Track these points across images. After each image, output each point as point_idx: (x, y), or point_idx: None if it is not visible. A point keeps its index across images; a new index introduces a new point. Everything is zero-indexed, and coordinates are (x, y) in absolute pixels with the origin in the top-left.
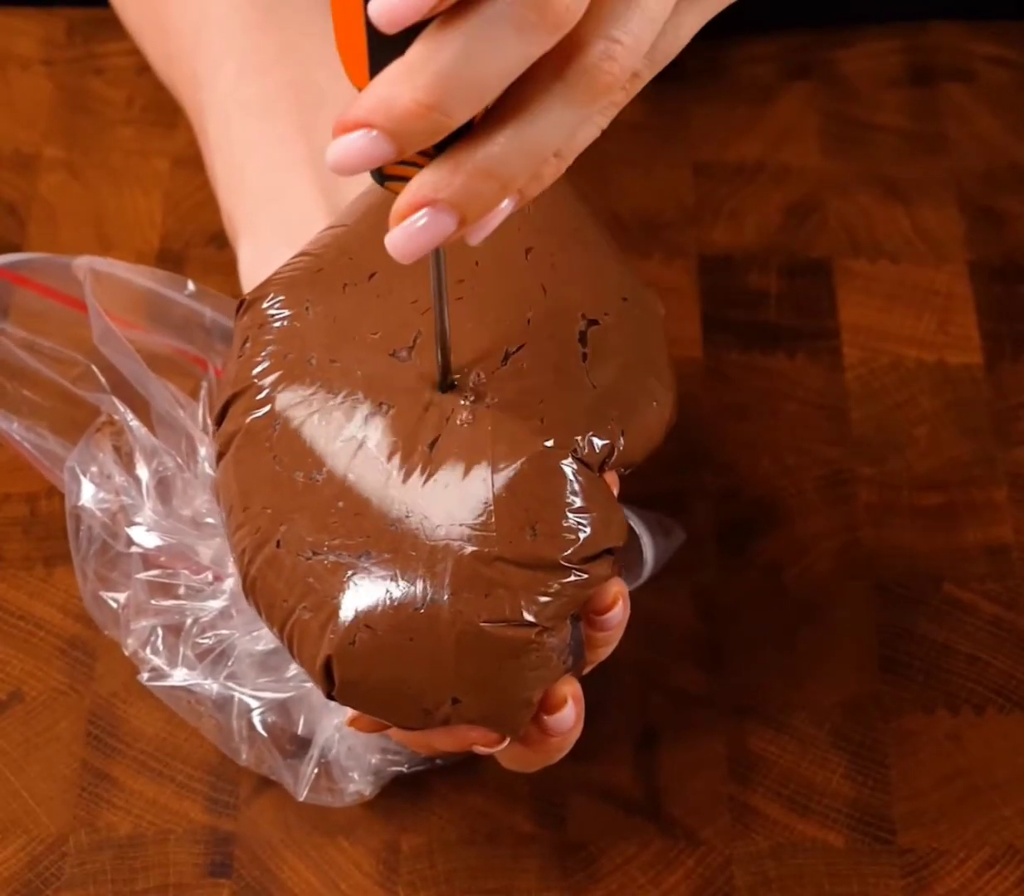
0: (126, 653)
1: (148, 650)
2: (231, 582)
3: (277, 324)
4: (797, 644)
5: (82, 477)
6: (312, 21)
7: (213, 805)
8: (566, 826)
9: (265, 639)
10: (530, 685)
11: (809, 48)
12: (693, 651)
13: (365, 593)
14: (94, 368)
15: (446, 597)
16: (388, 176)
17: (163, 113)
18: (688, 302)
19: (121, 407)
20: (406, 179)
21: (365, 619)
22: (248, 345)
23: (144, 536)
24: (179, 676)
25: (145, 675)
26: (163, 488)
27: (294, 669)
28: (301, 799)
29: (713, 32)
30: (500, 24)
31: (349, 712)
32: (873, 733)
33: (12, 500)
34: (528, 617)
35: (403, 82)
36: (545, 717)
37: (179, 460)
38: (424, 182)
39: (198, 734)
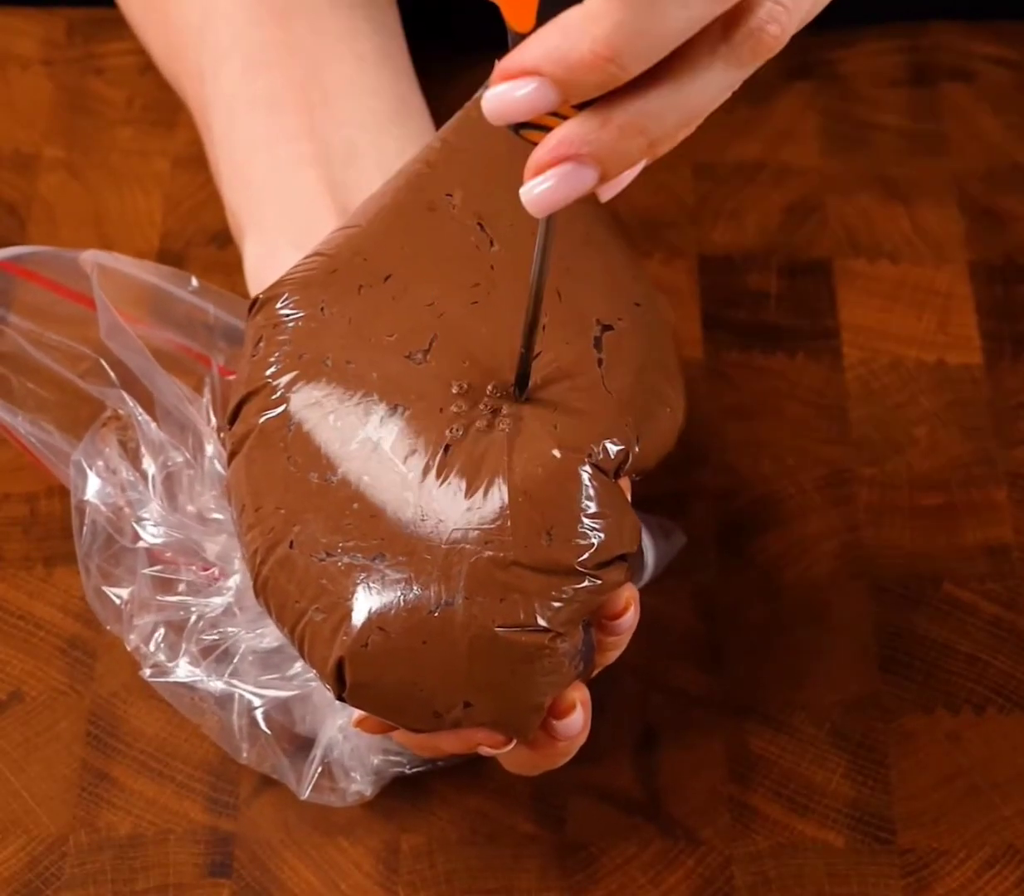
0: (128, 648)
1: (151, 646)
2: (236, 579)
3: (291, 324)
4: (797, 644)
5: (88, 471)
6: (320, 18)
7: (213, 805)
8: (566, 826)
9: (269, 637)
10: (542, 690)
11: (809, 48)
12: (693, 651)
13: (379, 595)
14: (102, 362)
15: (460, 601)
16: (525, 124)
17: (163, 113)
18: (688, 302)
19: (130, 401)
20: (542, 127)
21: (378, 621)
22: (262, 345)
23: (150, 531)
24: (182, 673)
25: (147, 671)
26: (169, 484)
27: (298, 667)
28: (304, 798)
29: None
30: None
31: (355, 713)
32: (873, 733)
33: (12, 500)
34: (542, 622)
35: (581, 31)
36: (554, 722)
37: (187, 455)
38: (569, 134)
39: (198, 734)
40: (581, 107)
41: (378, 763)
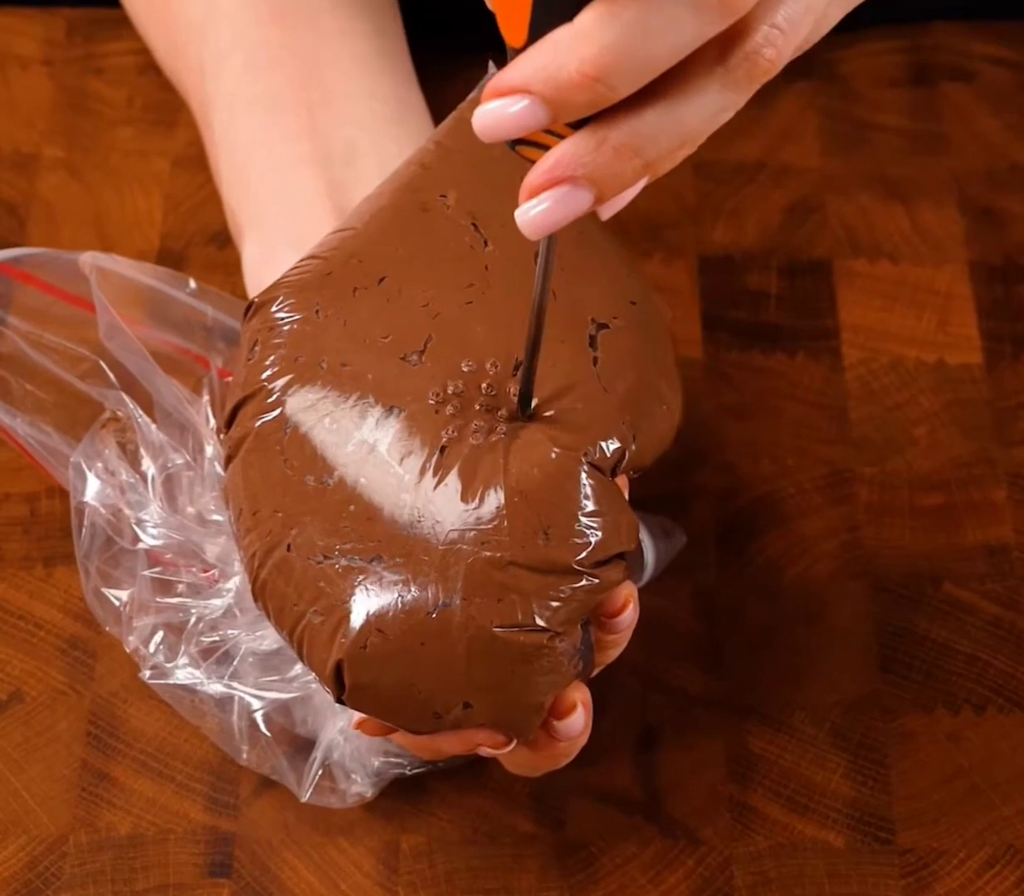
0: (127, 650)
1: (150, 648)
2: (236, 581)
3: (287, 327)
4: (797, 644)
5: (87, 472)
6: (321, 19)
7: (213, 805)
8: (566, 826)
9: (269, 639)
10: (541, 690)
11: (809, 48)
12: (693, 651)
13: (377, 597)
14: (102, 364)
15: (458, 602)
16: (520, 140)
17: (163, 113)
18: (688, 302)
19: (129, 403)
20: (538, 144)
21: (377, 623)
22: (257, 348)
23: (149, 533)
24: (181, 675)
25: (146, 673)
26: (169, 485)
27: (298, 669)
28: (304, 800)
29: None
30: (678, 2)
31: (355, 715)
32: (873, 733)
33: (12, 500)
34: (540, 622)
35: (571, 50)
36: (554, 722)
37: (186, 457)
38: (564, 156)
39: (198, 734)
40: (579, 124)
41: (378, 765)
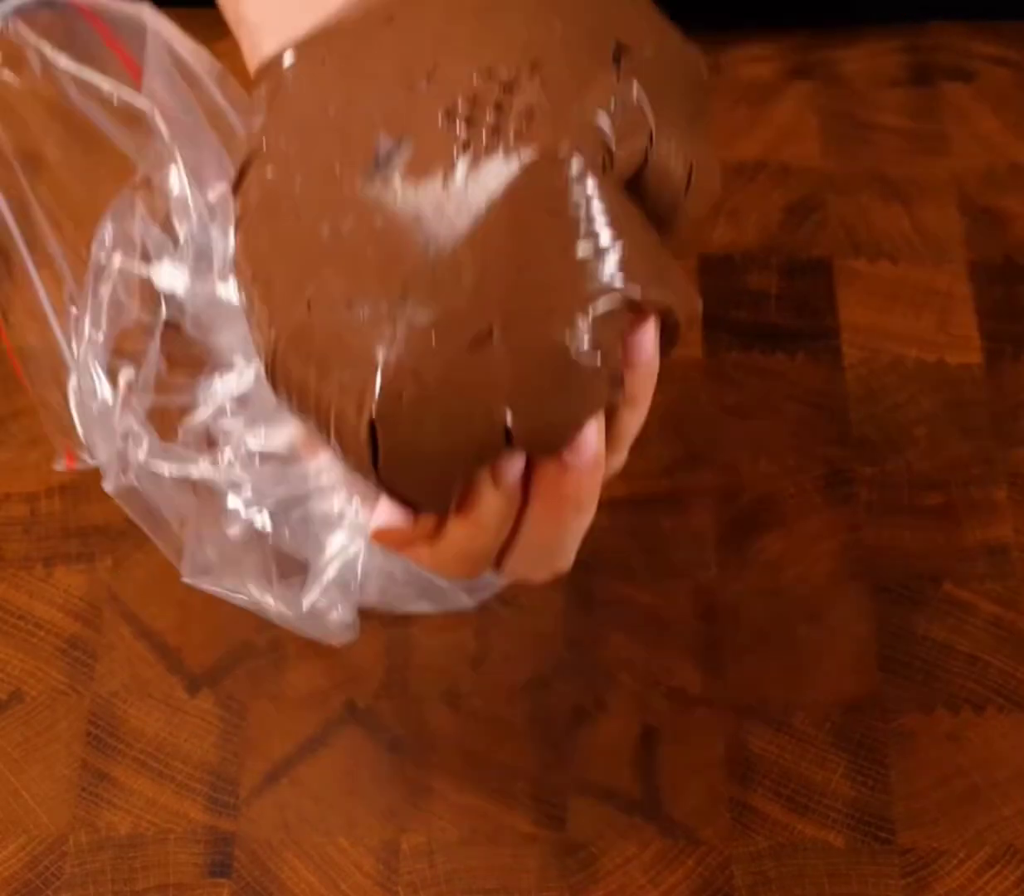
0: (115, 446)
1: (139, 443)
2: (242, 374)
3: (293, 81)
4: (797, 644)
5: (112, 225)
6: None
7: (213, 805)
8: (566, 826)
9: (273, 435)
10: (578, 405)
11: (809, 48)
12: (693, 651)
13: (408, 340)
14: (155, 113)
15: (495, 331)
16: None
17: None
18: None
19: (179, 157)
20: None
21: (412, 366)
22: (264, 106)
23: (170, 275)
24: (175, 468)
25: (142, 456)
26: (197, 258)
27: (304, 476)
28: (305, 610)
29: (713, 32)
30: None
31: (361, 528)
32: (873, 733)
33: (12, 500)
34: (574, 342)
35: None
36: (572, 444)
37: (219, 230)
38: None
39: (198, 734)
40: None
41: (374, 595)
